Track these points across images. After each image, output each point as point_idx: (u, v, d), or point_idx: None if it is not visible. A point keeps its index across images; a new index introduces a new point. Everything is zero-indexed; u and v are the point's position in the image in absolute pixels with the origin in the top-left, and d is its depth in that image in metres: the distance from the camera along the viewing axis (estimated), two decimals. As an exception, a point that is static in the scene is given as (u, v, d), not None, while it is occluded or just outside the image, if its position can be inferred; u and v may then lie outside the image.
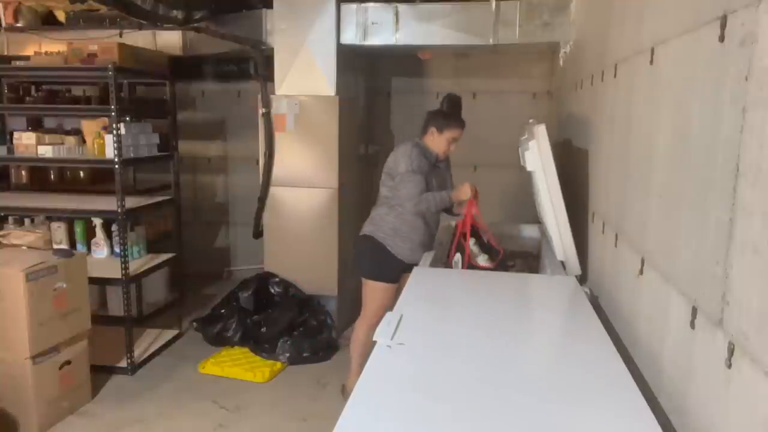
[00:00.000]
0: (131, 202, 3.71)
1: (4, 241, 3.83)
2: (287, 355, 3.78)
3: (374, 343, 2.75)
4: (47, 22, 5.18)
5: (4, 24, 5.10)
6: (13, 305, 2.82)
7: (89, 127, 3.81)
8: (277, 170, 4.29)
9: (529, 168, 2.72)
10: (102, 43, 4.01)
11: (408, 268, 2.91)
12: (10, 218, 4.01)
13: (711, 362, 1.25)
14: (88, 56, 3.84)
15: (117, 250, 3.73)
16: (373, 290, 3.09)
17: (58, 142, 3.76)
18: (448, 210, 3.12)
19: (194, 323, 4.12)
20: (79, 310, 3.16)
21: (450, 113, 3.02)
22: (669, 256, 1.57)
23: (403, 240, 3.03)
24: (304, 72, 4.19)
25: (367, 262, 3.11)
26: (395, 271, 3.06)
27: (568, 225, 2.63)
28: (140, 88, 5.09)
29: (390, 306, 2.90)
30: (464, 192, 2.93)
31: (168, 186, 4.30)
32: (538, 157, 2.61)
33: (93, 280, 3.39)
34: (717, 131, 1.27)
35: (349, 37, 4.18)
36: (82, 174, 4.62)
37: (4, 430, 2.86)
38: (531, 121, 2.91)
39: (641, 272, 1.80)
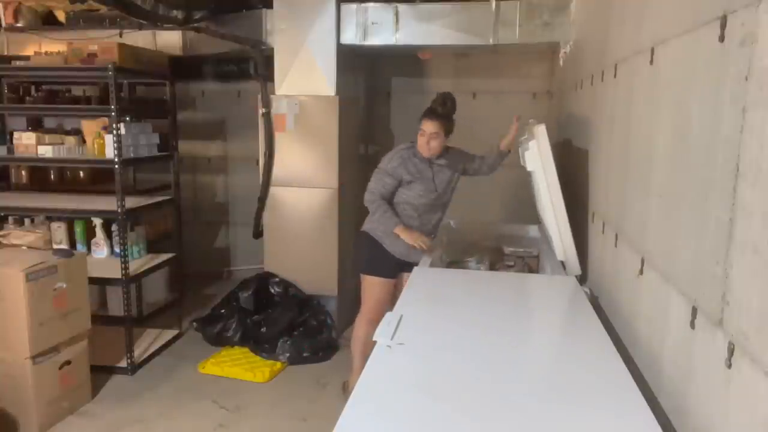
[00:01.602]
0: (131, 202, 3.71)
1: (4, 241, 3.83)
2: (287, 355, 3.77)
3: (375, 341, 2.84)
4: (47, 22, 5.18)
5: (4, 24, 5.10)
6: (13, 305, 2.82)
7: (89, 127, 3.81)
8: (277, 170, 4.28)
9: (529, 168, 2.72)
10: (102, 43, 4.01)
11: (407, 266, 2.93)
12: (10, 218, 4.01)
13: (711, 362, 1.25)
14: (88, 56, 3.83)
15: (117, 250, 3.72)
16: (370, 285, 3.12)
17: (58, 142, 3.76)
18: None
19: (194, 323, 4.12)
20: (79, 310, 3.16)
21: (430, 108, 3.03)
22: (669, 256, 1.57)
23: (397, 236, 3.04)
24: (304, 72, 4.18)
25: (364, 258, 3.16)
26: (391, 267, 3.09)
27: (568, 225, 2.63)
28: (140, 88, 5.09)
29: (387, 302, 2.99)
30: (409, 238, 2.95)
31: (168, 186, 4.30)
32: (538, 157, 2.62)
33: (93, 280, 3.39)
34: (717, 131, 1.27)
35: (349, 37, 4.18)
36: (82, 174, 4.62)
37: (4, 430, 2.86)
38: (531, 121, 2.92)
39: (641, 272, 1.80)
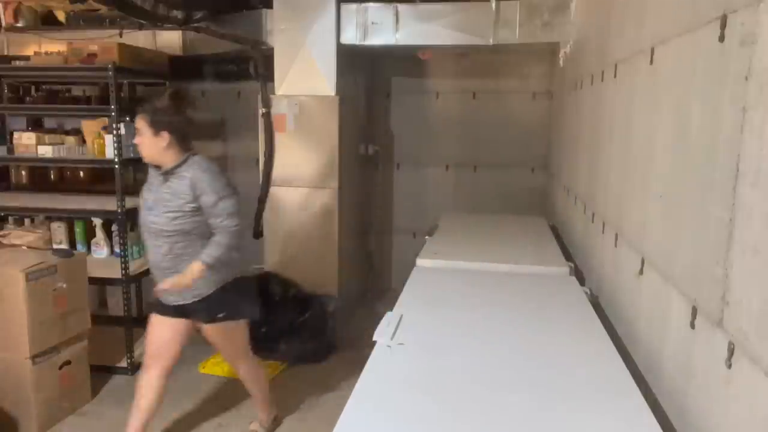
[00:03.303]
0: (131, 202, 3.70)
1: (4, 241, 3.83)
2: (287, 355, 3.77)
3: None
4: (47, 22, 5.17)
5: (4, 24, 5.09)
6: (13, 305, 2.82)
7: (89, 127, 3.81)
8: (277, 170, 4.28)
9: None
10: (102, 43, 4.01)
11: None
12: (10, 218, 4.01)
13: (711, 362, 1.25)
14: (88, 56, 3.83)
15: (117, 250, 3.73)
16: None
17: (58, 142, 3.76)
18: None
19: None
20: (79, 310, 3.16)
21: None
22: (669, 256, 1.57)
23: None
24: (304, 72, 4.18)
25: None
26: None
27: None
28: (140, 88, 5.08)
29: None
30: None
31: (168, 186, 4.29)
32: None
33: (93, 280, 3.39)
34: (717, 131, 1.27)
35: (349, 37, 4.17)
36: (82, 174, 4.62)
37: (4, 430, 2.86)
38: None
39: (641, 272, 1.80)
